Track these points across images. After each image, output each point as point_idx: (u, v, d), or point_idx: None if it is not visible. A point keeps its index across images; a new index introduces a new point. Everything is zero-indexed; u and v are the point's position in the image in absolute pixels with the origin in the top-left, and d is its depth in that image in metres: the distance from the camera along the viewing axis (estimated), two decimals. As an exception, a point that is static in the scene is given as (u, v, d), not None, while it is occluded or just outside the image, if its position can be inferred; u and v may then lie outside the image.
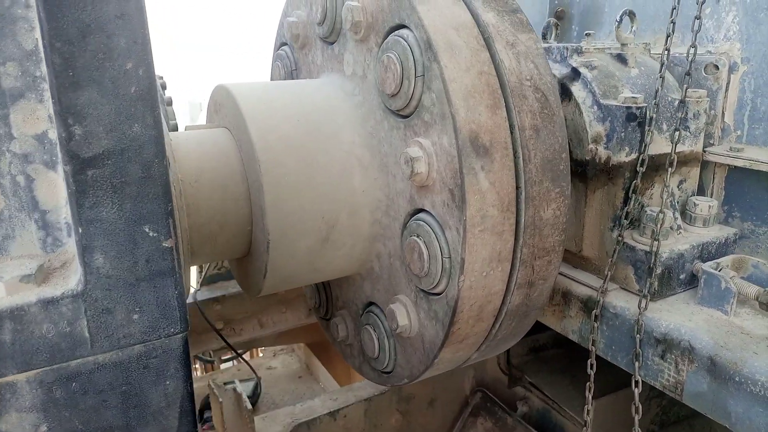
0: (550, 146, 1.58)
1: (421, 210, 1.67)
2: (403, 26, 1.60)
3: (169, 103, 2.79)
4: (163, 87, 2.86)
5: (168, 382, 1.05)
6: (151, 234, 0.96)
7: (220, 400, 3.41)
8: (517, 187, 1.56)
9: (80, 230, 0.94)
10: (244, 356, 4.91)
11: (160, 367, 1.01)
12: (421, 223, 1.64)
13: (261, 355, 5.99)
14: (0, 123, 0.96)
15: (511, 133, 1.54)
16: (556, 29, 2.68)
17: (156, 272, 0.97)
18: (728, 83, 2.41)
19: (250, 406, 3.34)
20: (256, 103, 1.71)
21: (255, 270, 1.80)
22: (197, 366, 5.71)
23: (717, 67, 2.40)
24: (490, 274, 1.59)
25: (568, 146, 1.61)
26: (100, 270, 0.96)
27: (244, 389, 4.73)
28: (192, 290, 3.96)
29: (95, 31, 0.90)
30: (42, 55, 0.93)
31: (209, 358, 5.42)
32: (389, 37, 1.63)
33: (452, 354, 1.76)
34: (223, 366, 5.79)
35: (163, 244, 0.97)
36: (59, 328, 0.95)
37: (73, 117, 0.91)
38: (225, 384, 4.80)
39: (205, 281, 3.98)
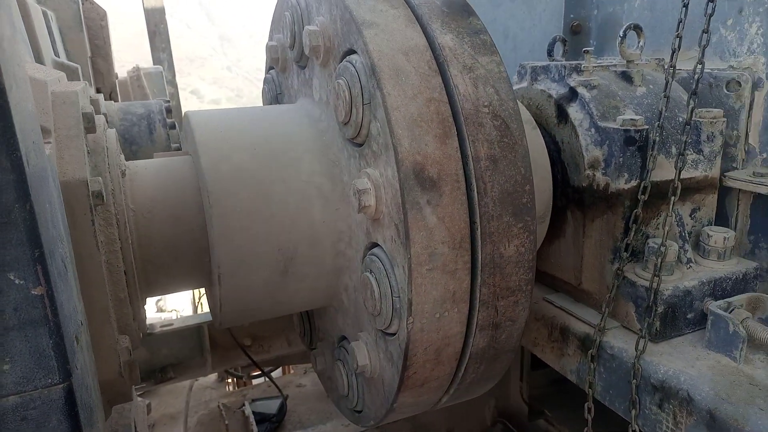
0: (510, 178, 1.45)
1: (376, 244, 1.57)
2: (353, 51, 1.52)
3: (173, 126, 2.82)
4: (168, 111, 2.90)
5: (50, 435, 0.99)
6: (17, 282, 0.92)
7: (227, 422, 3.41)
8: (472, 223, 1.44)
9: (-55, 279, 0.92)
10: (275, 371, 4.92)
11: (40, 419, 0.97)
12: (375, 258, 1.54)
13: (292, 371, 5.99)
14: None
15: (465, 164, 1.42)
16: (564, 45, 2.51)
17: (26, 321, 0.93)
18: (752, 101, 2.17)
19: (256, 429, 3.31)
20: (211, 131, 1.67)
21: (213, 301, 1.75)
22: (229, 380, 5.76)
23: (739, 84, 2.17)
24: (444, 316, 1.47)
25: (532, 178, 1.47)
26: (-33, 319, 0.93)
27: (270, 407, 4.73)
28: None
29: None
30: None
31: (239, 374, 5.47)
32: (341, 63, 1.56)
33: (414, 398, 1.64)
34: (254, 381, 5.83)
35: (32, 292, 0.93)
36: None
37: None
38: (252, 401, 4.82)
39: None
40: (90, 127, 1.44)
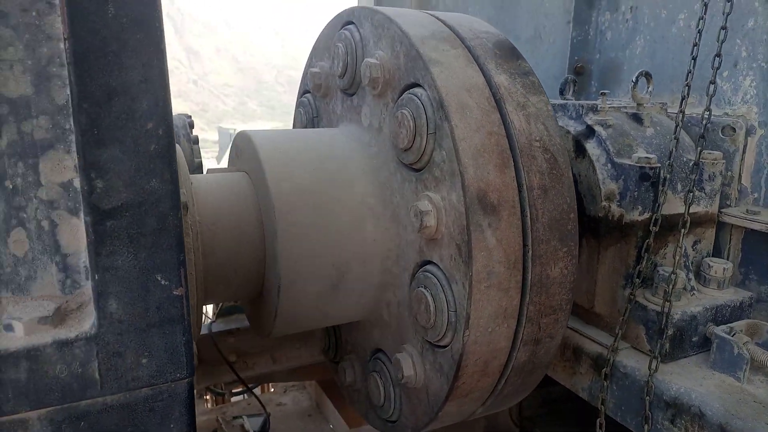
0: (558, 206, 1.61)
1: (430, 262, 1.70)
2: (417, 85, 1.66)
3: (196, 141, 2.90)
4: (191, 126, 2.97)
5: (172, 426, 1.08)
6: (163, 282, 1.01)
7: (227, 434, 3.41)
8: (524, 245, 1.59)
9: (96, 277, 1.00)
10: (255, 391, 4.90)
11: (165, 411, 1.05)
12: (429, 275, 1.67)
13: (272, 390, 5.96)
14: (30, 171, 1.03)
15: (519, 192, 1.58)
16: (574, 85, 2.73)
17: (166, 319, 1.02)
18: (745, 146, 2.42)
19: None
20: (273, 151, 1.78)
21: (266, 312, 1.84)
22: (208, 398, 5.70)
23: (734, 130, 2.41)
24: (496, 330, 1.60)
25: (576, 206, 1.64)
26: (113, 315, 1.01)
27: (253, 425, 4.71)
28: (207, 322, 4.00)
29: (120, 93, 0.97)
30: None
31: (220, 391, 5.42)
32: (404, 95, 1.70)
33: (457, 408, 1.76)
34: (233, 399, 5.78)
35: (174, 292, 1.02)
36: (72, 369, 1.00)
37: (96, 172, 0.98)
38: (234, 418, 4.79)
39: (221, 313, 4.01)
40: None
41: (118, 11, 0.99)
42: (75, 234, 1.06)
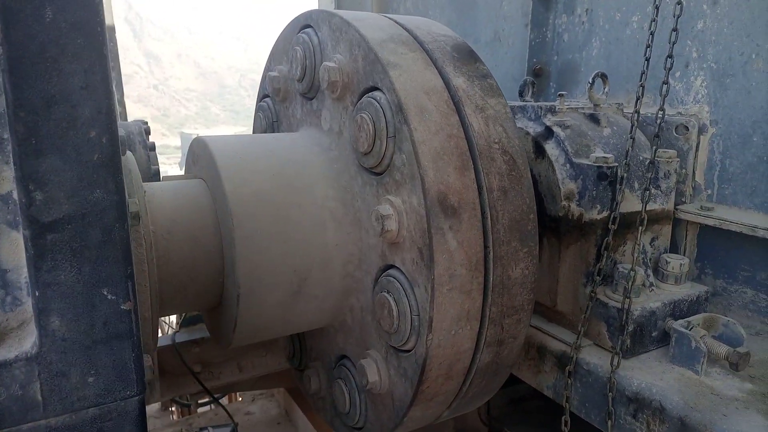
0: (517, 207, 1.61)
1: (392, 266, 1.68)
2: (376, 88, 1.65)
3: (152, 148, 2.82)
4: (147, 132, 2.90)
5: (123, 445, 1.03)
6: (109, 297, 0.97)
7: (193, 448, 3.33)
8: (486, 247, 1.59)
9: (37, 293, 0.95)
10: (222, 400, 4.81)
11: (114, 431, 1.00)
12: (392, 279, 1.65)
13: (240, 399, 5.86)
14: (-34, 183, 0.97)
15: (480, 194, 1.58)
16: (533, 87, 2.76)
17: (113, 335, 0.98)
18: (698, 144, 2.48)
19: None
20: (231, 157, 1.74)
21: (225, 321, 1.80)
22: (173, 409, 5.58)
23: (687, 128, 2.47)
24: (459, 333, 1.60)
25: (535, 207, 1.65)
26: (56, 332, 0.96)
27: (221, 435, 4.61)
28: (170, 332, 3.90)
29: (60, 101, 0.93)
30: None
31: (186, 402, 5.30)
32: (363, 98, 1.68)
33: (422, 412, 1.74)
34: (200, 410, 5.66)
35: (122, 307, 0.97)
36: (11, 392, 0.94)
37: (34, 183, 0.93)
38: (200, 430, 4.69)
39: (185, 323, 3.92)
40: (123, 149, 1.48)
41: (56, 15, 0.94)
42: (15, 248, 1.01)
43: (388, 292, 1.66)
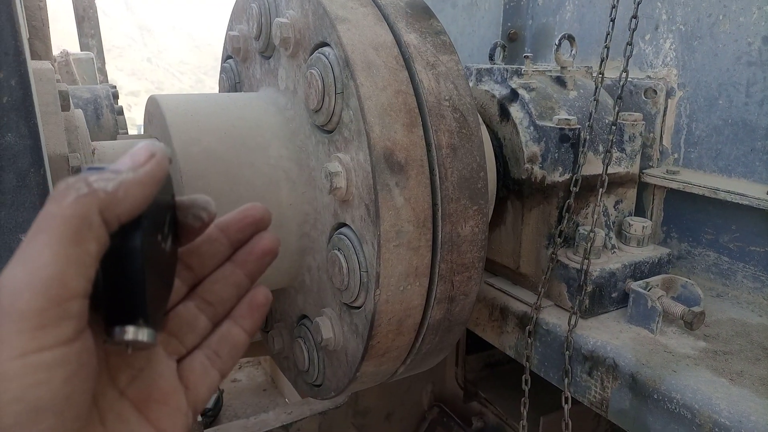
0: (467, 165, 1.61)
1: (344, 224, 1.69)
2: (325, 44, 1.63)
3: (120, 112, 2.80)
4: (115, 96, 2.87)
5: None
6: (27, 242, 0.97)
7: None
8: (434, 204, 1.59)
9: (-46, 237, 0.95)
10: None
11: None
12: (342, 237, 1.66)
13: (226, 367, 5.93)
14: None
15: (428, 151, 1.57)
16: (504, 51, 2.73)
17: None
18: (666, 108, 2.47)
19: (199, 418, 3.32)
20: (181, 115, 1.72)
21: (181, 281, 1.80)
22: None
23: (655, 92, 2.46)
24: (408, 289, 1.61)
25: (485, 165, 1.64)
26: (-25, 276, 0.96)
27: (205, 401, 4.68)
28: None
29: (-39, 42, 0.91)
30: None
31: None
32: (313, 54, 1.66)
33: (375, 367, 1.77)
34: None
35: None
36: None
37: (-59, 127, 0.92)
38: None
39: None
40: (65, 104, 1.47)
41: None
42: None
43: (339, 250, 1.66)
